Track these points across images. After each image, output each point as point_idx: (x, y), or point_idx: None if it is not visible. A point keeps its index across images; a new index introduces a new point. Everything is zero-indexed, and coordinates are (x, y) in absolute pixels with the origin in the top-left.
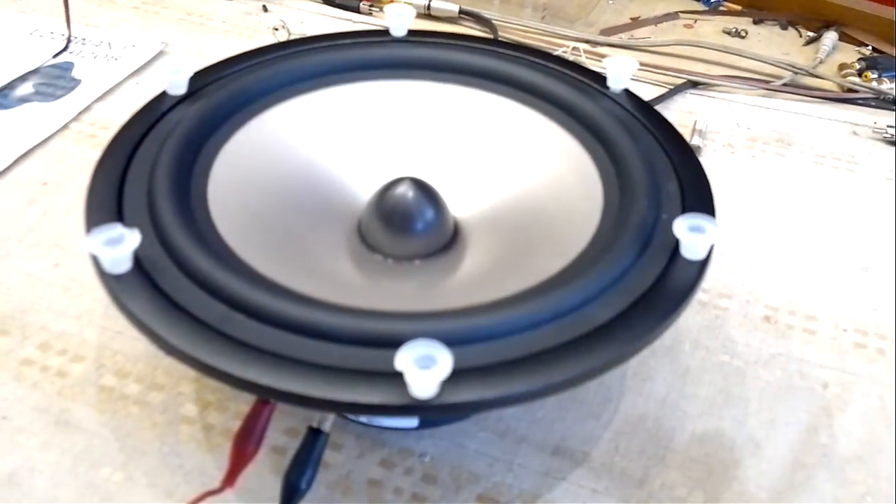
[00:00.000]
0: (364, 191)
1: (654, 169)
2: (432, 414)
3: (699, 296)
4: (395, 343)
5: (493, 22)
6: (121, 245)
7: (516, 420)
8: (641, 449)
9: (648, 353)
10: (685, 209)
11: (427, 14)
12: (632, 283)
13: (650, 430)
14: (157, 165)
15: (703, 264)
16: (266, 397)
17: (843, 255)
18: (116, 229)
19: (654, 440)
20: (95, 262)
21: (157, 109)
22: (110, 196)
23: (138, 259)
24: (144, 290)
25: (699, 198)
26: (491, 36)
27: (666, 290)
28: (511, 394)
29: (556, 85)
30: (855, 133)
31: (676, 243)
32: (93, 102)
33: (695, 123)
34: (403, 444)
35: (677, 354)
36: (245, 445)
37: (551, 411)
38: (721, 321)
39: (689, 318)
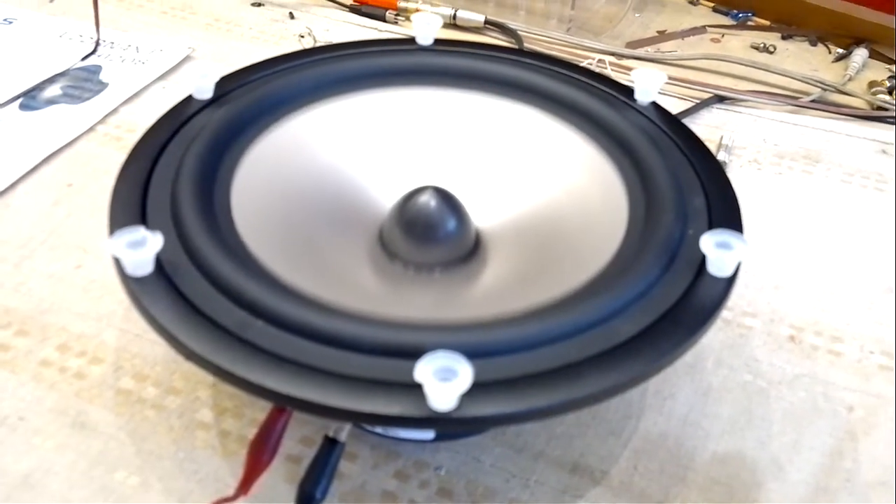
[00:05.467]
0: (387, 199)
1: (680, 183)
2: (451, 427)
3: (723, 313)
4: (415, 354)
5: (519, 32)
6: (143, 248)
7: (534, 435)
8: (661, 468)
9: (670, 370)
10: (712, 225)
11: (453, 24)
12: (657, 298)
13: (670, 450)
14: (182, 169)
15: (729, 281)
16: (284, 405)
17: (869, 275)
18: (139, 232)
19: (674, 459)
20: (117, 264)
21: (183, 113)
22: (134, 199)
23: (160, 262)
24: (165, 293)
25: (727, 214)
26: (516, 46)
27: (691, 307)
28: (532, 409)
29: (583, 96)
30: (884, 152)
31: (703, 259)
32: (119, 105)
33: (721, 138)
34: (419, 456)
35: (699, 372)
36: (260, 453)
37: (570, 427)
38: (745, 340)
39: (712, 336)
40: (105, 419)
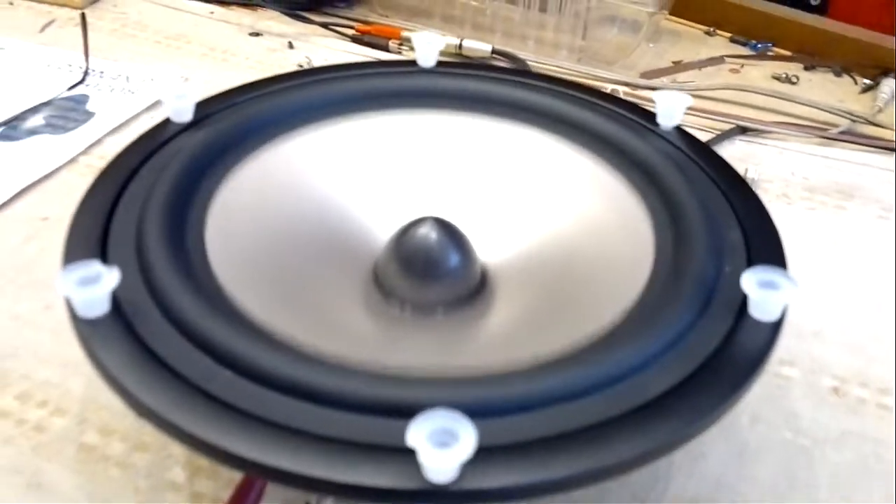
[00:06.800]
0: (384, 231)
1: (713, 214)
2: (451, 502)
3: None
4: (409, 412)
5: (528, 63)
6: (96, 285)
7: (548, 501)
8: None
9: None
10: (752, 262)
11: (458, 53)
12: (692, 346)
13: None
14: (151, 197)
15: (776, 326)
16: (248, 473)
17: None
18: (93, 267)
19: None
20: (68, 304)
21: (158, 137)
22: (94, 231)
23: (118, 302)
24: (120, 337)
25: (767, 248)
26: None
27: (733, 357)
28: (549, 479)
29: (599, 119)
30: None
31: (743, 301)
32: (104, 135)
33: (746, 171)
34: None
35: (734, 429)
36: None
37: (589, 491)
38: (783, 392)
39: None
40: (64, 479)
